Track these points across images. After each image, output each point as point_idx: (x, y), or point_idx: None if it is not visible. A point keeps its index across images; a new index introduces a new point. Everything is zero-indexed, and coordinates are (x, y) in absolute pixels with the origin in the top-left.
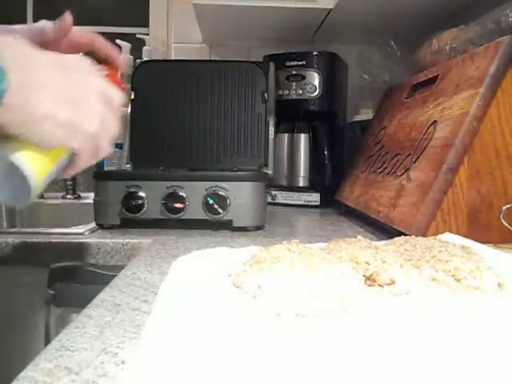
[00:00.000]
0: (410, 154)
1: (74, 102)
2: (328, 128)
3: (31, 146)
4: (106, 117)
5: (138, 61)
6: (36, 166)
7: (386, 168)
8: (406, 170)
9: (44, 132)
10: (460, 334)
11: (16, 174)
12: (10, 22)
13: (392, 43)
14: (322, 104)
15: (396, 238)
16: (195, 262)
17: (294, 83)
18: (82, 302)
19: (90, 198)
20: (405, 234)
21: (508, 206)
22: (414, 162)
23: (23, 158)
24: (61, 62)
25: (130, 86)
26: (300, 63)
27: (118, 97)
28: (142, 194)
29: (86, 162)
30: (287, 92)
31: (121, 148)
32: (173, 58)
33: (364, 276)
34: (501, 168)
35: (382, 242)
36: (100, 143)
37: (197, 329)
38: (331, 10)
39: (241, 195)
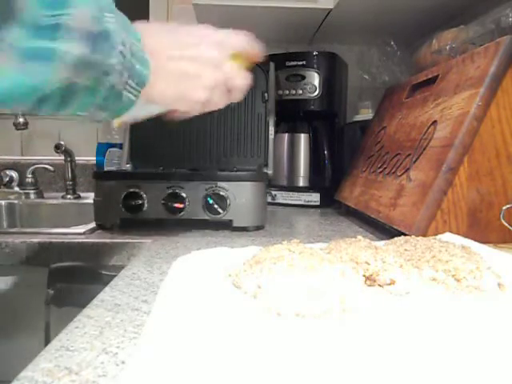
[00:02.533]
0: (410, 154)
1: (188, 78)
2: (328, 128)
3: None
4: (217, 89)
5: None
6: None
7: (385, 168)
8: (406, 170)
9: (162, 103)
10: (460, 334)
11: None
12: None
13: (392, 43)
14: (321, 104)
15: (396, 238)
16: (195, 261)
17: (294, 83)
18: (82, 302)
19: (89, 198)
20: (405, 234)
21: (508, 206)
22: (414, 162)
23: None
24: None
25: None
26: (300, 63)
27: (238, 75)
28: (142, 194)
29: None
30: (287, 92)
31: (121, 148)
32: None
33: (364, 276)
34: (501, 168)
35: (382, 242)
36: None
37: (197, 329)
38: (331, 10)
39: (241, 195)
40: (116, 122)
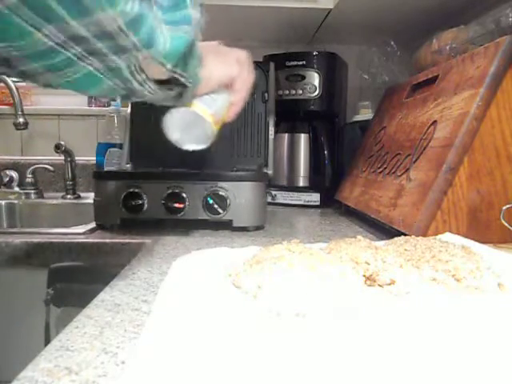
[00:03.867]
0: (410, 154)
1: (225, 60)
2: (328, 128)
3: (198, 104)
4: (242, 64)
5: None
6: (206, 113)
7: (386, 168)
8: (406, 170)
9: (213, 80)
10: (460, 334)
11: (197, 124)
12: None
13: (392, 43)
14: (321, 104)
15: (396, 238)
16: (195, 261)
17: (294, 83)
18: (82, 302)
19: (89, 198)
20: (405, 234)
21: (508, 206)
22: (414, 162)
23: (202, 113)
24: (216, 47)
25: None
26: (300, 63)
27: (245, 56)
28: (142, 194)
29: (239, 102)
30: (287, 92)
31: (121, 148)
32: None
33: (364, 276)
34: (501, 168)
35: (382, 242)
36: (242, 90)
37: (197, 329)
38: (331, 10)
39: (241, 195)
40: (210, 119)
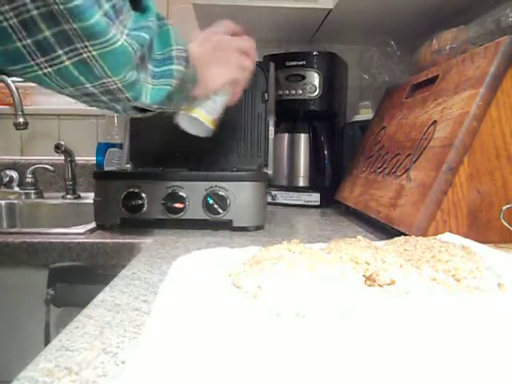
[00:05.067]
0: (410, 154)
1: (224, 64)
2: (328, 128)
3: (199, 110)
4: (243, 63)
5: None
6: (204, 118)
7: (385, 168)
8: (406, 170)
9: (212, 88)
10: (460, 334)
11: (200, 125)
12: None
13: (392, 43)
14: (321, 104)
15: (396, 238)
16: (195, 261)
17: (294, 83)
18: (82, 302)
19: (89, 198)
20: (405, 234)
21: (508, 206)
22: (414, 162)
23: (204, 120)
24: (216, 42)
25: None
26: (300, 63)
27: (248, 44)
28: (142, 194)
29: (237, 91)
30: (287, 92)
31: (121, 148)
32: None
33: (364, 276)
34: (501, 168)
35: (382, 242)
36: (240, 78)
37: (197, 329)
38: (331, 10)
39: (241, 195)
40: (208, 122)
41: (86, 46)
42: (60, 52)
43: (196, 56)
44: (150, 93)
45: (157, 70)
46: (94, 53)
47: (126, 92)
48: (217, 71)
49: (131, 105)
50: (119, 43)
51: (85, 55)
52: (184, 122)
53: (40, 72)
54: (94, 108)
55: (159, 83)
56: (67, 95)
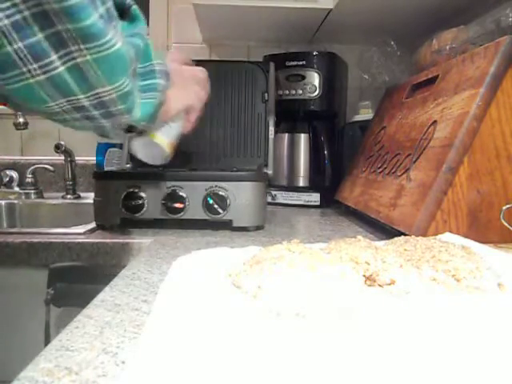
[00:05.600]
0: (410, 154)
1: (182, 90)
2: (328, 128)
3: (157, 135)
4: (199, 92)
5: None
6: (164, 143)
7: (385, 168)
8: (406, 170)
9: (172, 112)
10: (460, 335)
11: (153, 145)
12: None
13: (392, 43)
14: (321, 104)
15: (396, 238)
16: (195, 261)
17: (294, 83)
18: (81, 302)
19: (89, 198)
20: (405, 234)
21: (508, 206)
22: (414, 162)
23: (161, 143)
24: (180, 71)
25: None
26: (300, 63)
27: (203, 75)
28: (142, 194)
29: (192, 119)
30: (287, 92)
31: (121, 148)
32: None
33: (364, 276)
34: (501, 168)
35: (382, 242)
36: (196, 106)
37: (197, 329)
38: (331, 10)
39: (241, 195)
40: (167, 147)
41: (81, 50)
42: (54, 57)
43: None
44: (140, 107)
45: (141, 83)
46: (89, 57)
47: (119, 104)
48: (176, 95)
49: (121, 121)
50: (116, 47)
51: (79, 60)
52: (139, 149)
53: (32, 80)
54: None
55: (146, 97)
56: (54, 118)
